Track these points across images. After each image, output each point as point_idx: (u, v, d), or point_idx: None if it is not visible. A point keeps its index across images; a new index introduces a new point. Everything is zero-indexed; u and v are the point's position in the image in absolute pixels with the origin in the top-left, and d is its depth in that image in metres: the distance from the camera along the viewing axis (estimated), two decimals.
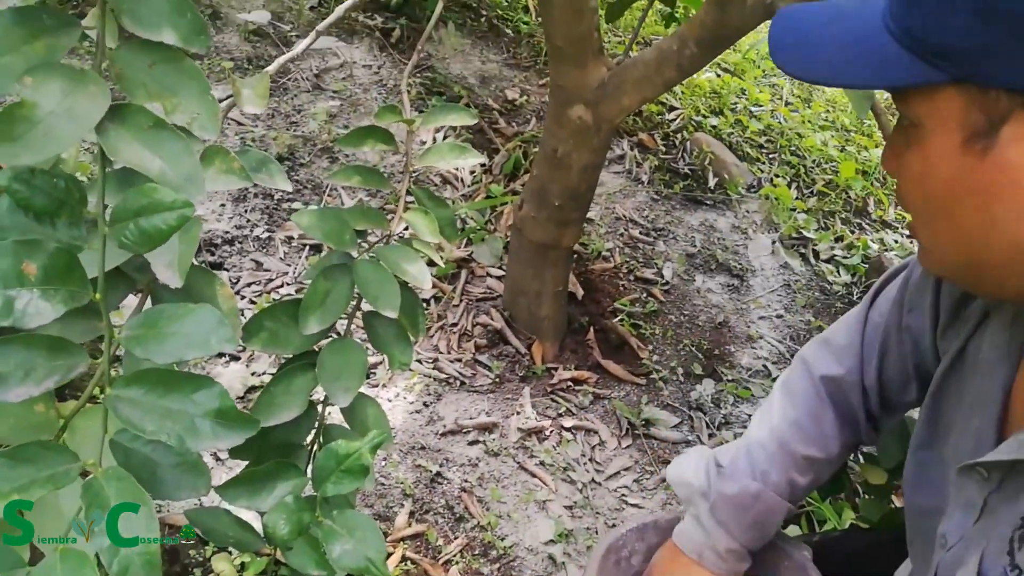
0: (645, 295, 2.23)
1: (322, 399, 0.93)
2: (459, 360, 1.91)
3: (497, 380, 1.88)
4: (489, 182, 2.43)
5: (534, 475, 1.68)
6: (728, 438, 1.87)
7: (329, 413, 0.94)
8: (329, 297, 0.91)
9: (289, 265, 2.02)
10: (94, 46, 0.59)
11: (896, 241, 2.68)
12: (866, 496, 1.78)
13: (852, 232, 2.71)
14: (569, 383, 1.92)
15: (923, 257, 0.60)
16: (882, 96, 1.94)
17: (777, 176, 2.87)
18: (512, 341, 1.98)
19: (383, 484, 1.59)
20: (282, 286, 1.96)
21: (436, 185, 2.43)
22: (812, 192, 2.87)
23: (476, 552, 1.51)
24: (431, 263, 2.02)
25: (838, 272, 2.52)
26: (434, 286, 2.10)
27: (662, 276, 2.32)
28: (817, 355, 0.88)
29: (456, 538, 1.52)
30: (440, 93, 2.70)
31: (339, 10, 1.07)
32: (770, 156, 2.99)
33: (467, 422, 1.75)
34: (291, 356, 0.92)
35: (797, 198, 2.78)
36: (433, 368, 1.88)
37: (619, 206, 2.55)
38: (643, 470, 1.76)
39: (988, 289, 0.58)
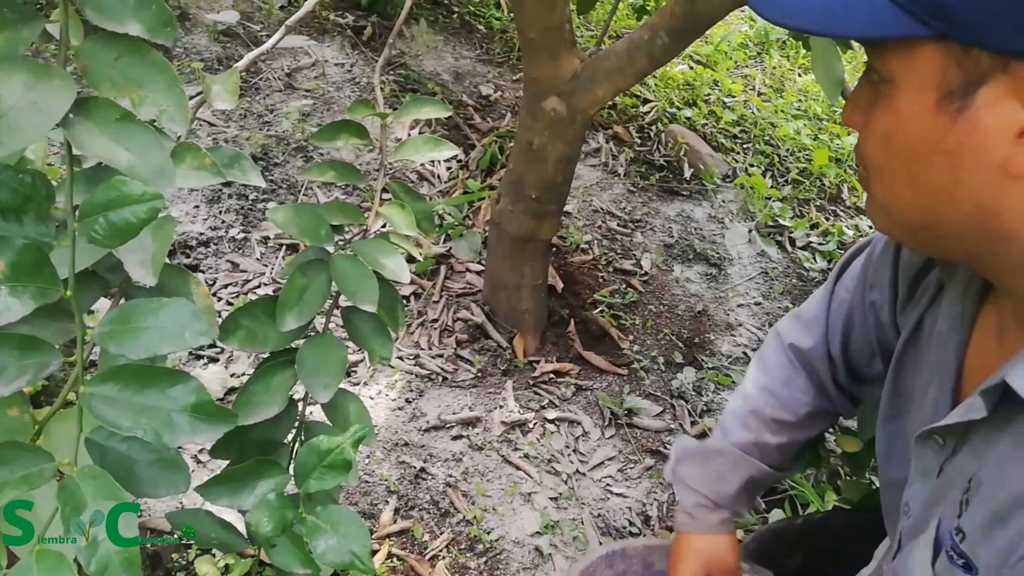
0: (624, 286, 2.24)
1: (302, 396, 0.93)
2: (440, 356, 1.91)
3: (479, 374, 1.88)
4: (466, 178, 2.43)
5: (518, 468, 1.68)
6: (711, 425, 1.88)
7: (311, 412, 0.94)
8: (306, 293, 0.90)
9: (266, 265, 2.01)
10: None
11: (870, 227, 2.71)
12: (847, 476, 1.80)
13: (827, 219, 2.74)
14: (551, 375, 1.92)
15: (877, 215, 0.59)
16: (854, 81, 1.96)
17: (752, 166, 2.89)
18: (493, 335, 1.98)
19: (367, 481, 1.58)
20: (259, 287, 1.94)
21: (413, 182, 2.42)
22: (787, 180, 2.89)
23: (462, 546, 1.51)
24: (410, 259, 2.01)
25: (814, 259, 2.54)
26: (414, 282, 2.09)
27: (641, 267, 2.33)
28: (788, 327, 0.90)
29: (442, 533, 1.52)
30: (414, 90, 2.69)
31: (308, 4, 1.06)
32: (744, 146, 3.01)
33: (450, 417, 1.74)
34: (270, 354, 0.91)
35: (772, 187, 2.80)
36: (415, 364, 1.87)
37: (596, 199, 2.55)
38: (627, 459, 1.77)
39: (938, 251, 0.58)
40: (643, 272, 2.31)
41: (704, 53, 3.48)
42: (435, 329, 1.97)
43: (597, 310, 2.13)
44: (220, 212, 2.09)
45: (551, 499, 1.63)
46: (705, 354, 2.10)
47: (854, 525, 1.04)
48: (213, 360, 1.73)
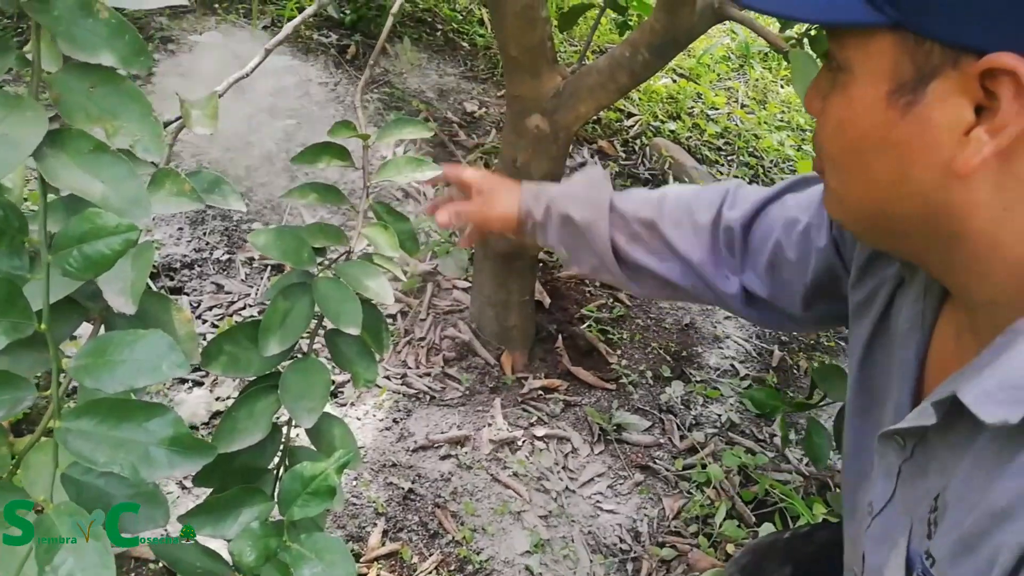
0: (611, 300, 2.24)
1: (287, 421, 0.92)
2: (428, 374, 1.90)
3: (467, 393, 1.87)
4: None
5: (508, 486, 1.67)
6: (699, 439, 1.88)
7: (297, 435, 0.93)
8: (289, 317, 0.90)
9: (251, 286, 1.99)
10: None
11: None
12: (836, 488, 1.80)
13: None
14: (540, 392, 1.92)
15: (829, 203, 0.58)
16: None
17: (736, 177, 2.91)
18: (481, 353, 1.98)
19: (355, 504, 1.56)
20: (244, 308, 1.93)
21: (399, 199, 2.42)
22: None
23: (452, 568, 1.50)
24: (395, 278, 2.01)
25: None
26: (400, 301, 2.08)
27: None
28: (735, 192, 0.91)
29: (431, 555, 1.51)
30: (398, 108, 2.69)
31: (287, 28, 1.06)
32: (728, 158, 3.03)
33: (438, 436, 1.73)
34: (253, 379, 0.90)
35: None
36: (402, 384, 1.86)
37: None
38: (616, 475, 1.76)
39: (890, 247, 0.58)
40: None
41: (687, 66, 3.50)
42: (422, 347, 1.97)
43: (584, 325, 2.13)
44: (204, 234, 2.08)
45: (541, 517, 1.63)
46: (693, 367, 2.10)
47: (841, 537, 1.04)
48: (198, 384, 1.72)
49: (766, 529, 1.67)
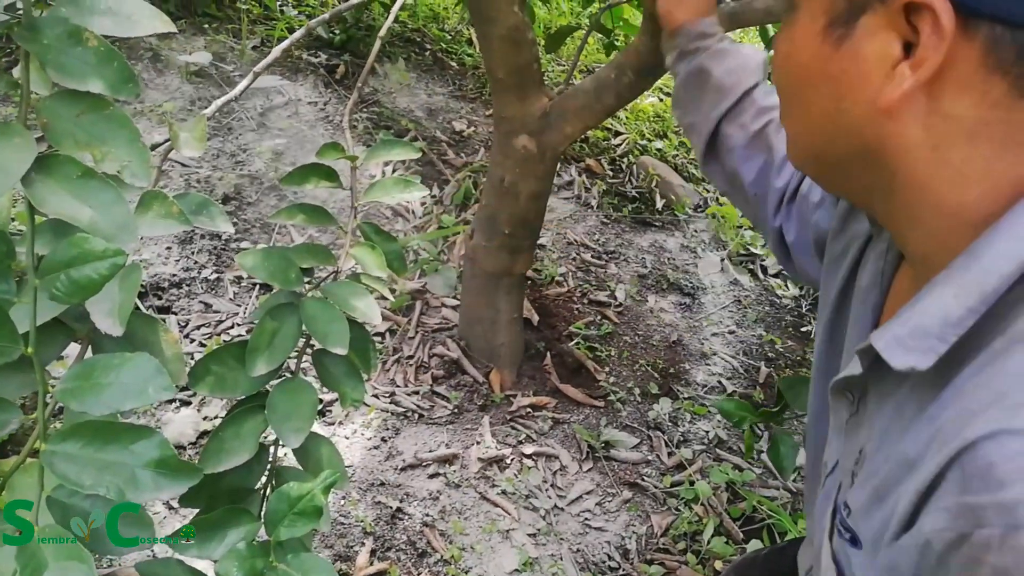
0: (599, 318, 2.25)
1: (273, 441, 0.92)
2: (416, 392, 1.90)
3: (456, 411, 1.87)
4: (440, 213, 2.44)
5: (496, 505, 1.67)
6: (687, 456, 1.88)
7: (284, 455, 0.93)
8: (276, 337, 0.90)
9: (239, 305, 1.99)
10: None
11: None
12: None
13: None
14: (528, 409, 1.92)
15: (788, 149, 0.59)
16: None
17: (723, 195, 2.93)
18: (469, 370, 1.98)
19: (342, 523, 1.56)
20: (232, 327, 1.93)
21: (387, 218, 2.43)
22: None
23: None
24: (383, 296, 2.01)
25: (786, 286, 2.58)
26: (389, 319, 2.09)
27: (615, 298, 2.34)
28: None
29: (420, 574, 1.50)
30: (387, 127, 2.71)
31: (276, 51, 1.07)
32: None
33: (427, 455, 1.73)
34: (241, 399, 0.90)
35: (743, 216, 2.84)
36: (390, 402, 1.86)
37: (570, 231, 2.57)
38: (605, 492, 1.76)
39: (838, 188, 0.58)
40: (618, 303, 2.33)
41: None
42: (411, 365, 1.97)
43: (573, 342, 2.13)
44: (193, 253, 2.08)
45: (529, 536, 1.63)
46: (680, 384, 2.11)
47: None
48: (185, 403, 1.72)
49: (754, 546, 1.68)
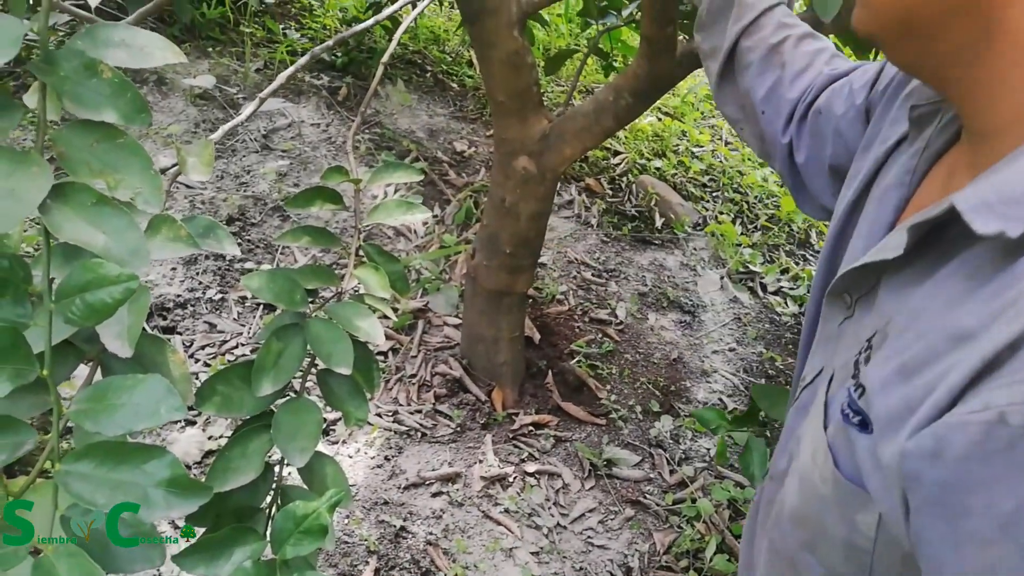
0: (600, 336, 2.27)
1: (279, 460, 0.93)
2: (419, 411, 1.91)
3: (458, 429, 1.88)
4: (442, 232, 2.47)
5: (499, 523, 1.68)
6: (689, 473, 1.89)
7: (289, 474, 0.94)
8: (282, 357, 0.92)
9: (243, 325, 2.01)
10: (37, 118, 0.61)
11: None
12: None
13: (797, 264, 2.80)
14: (530, 428, 1.93)
15: (859, 16, 0.55)
16: None
17: (721, 213, 2.96)
18: (472, 389, 1.99)
19: (347, 542, 1.57)
20: (237, 347, 1.94)
21: (390, 238, 2.45)
22: (756, 227, 2.96)
23: None
24: (386, 316, 2.02)
25: (786, 303, 2.59)
26: (391, 338, 2.10)
27: (616, 316, 2.36)
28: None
29: None
30: (389, 148, 2.74)
31: (281, 76, 1.10)
32: (713, 194, 3.08)
33: (430, 474, 1.74)
34: (246, 419, 0.92)
35: (742, 233, 2.87)
36: (393, 421, 1.87)
37: (570, 250, 2.59)
38: (607, 510, 1.77)
39: (914, 55, 0.54)
40: (618, 321, 2.34)
41: (672, 105, 3.58)
42: (413, 384, 1.98)
43: (574, 360, 2.15)
44: (197, 274, 2.10)
45: (532, 554, 1.63)
46: (681, 401, 2.12)
47: None
48: (191, 423, 1.73)
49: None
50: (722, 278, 2.63)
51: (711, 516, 1.77)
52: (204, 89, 2.64)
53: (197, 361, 1.89)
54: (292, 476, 0.95)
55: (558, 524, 1.71)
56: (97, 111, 0.60)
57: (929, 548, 0.43)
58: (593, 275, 2.52)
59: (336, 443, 1.78)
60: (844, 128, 0.79)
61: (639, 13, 1.40)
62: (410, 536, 1.61)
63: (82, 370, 0.76)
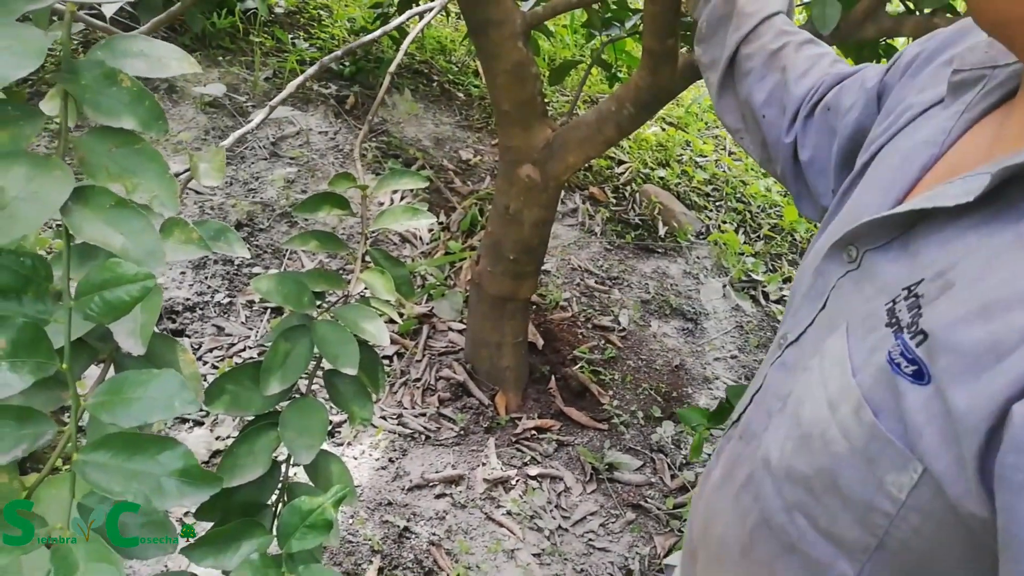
0: (603, 342, 2.29)
1: (285, 458, 0.96)
2: (423, 414, 1.94)
3: (462, 432, 1.91)
4: (447, 239, 2.50)
5: (501, 525, 1.70)
6: (690, 478, 1.91)
7: (295, 474, 0.97)
8: (289, 358, 0.94)
9: (251, 329, 2.04)
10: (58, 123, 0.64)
11: None
12: None
13: None
14: (533, 432, 1.95)
15: (982, 8, 0.52)
16: None
17: (724, 223, 2.98)
18: (475, 393, 2.02)
19: (351, 542, 1.59)
20: (244, 350, 1.97)
21: (395, 244, 2.48)
22: (759, 236, 2.98)
23: None
24: (392, 320, 2.05)
25: None
26: (396, 342, 2.13)
27: (619, 323, 2.38)
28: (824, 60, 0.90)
29: None
30: (396, 156, 2.77)
31: (291, 85, 1.13)
32: (716, 204, 3.11)
33: (433, 476, 1.76)
34: (254, 417, 0.94)
35: (745, 243, 2.89)
36: (398, 424, 1.90)
37: (574, 257, 2.62)
38: (608, 514, 1.79)
39: (1010, 14, 0.51)
40: (621, 328, 2.36)
41: (676, 115, 3.61)
42: (418, 388, 2.01)
43: (577, 366, 2.17)
44: (206, 278, 2.13)
45: (534, 555, 1.65)
46: (683, 407, 2.13)
47: None
48: (198, 424, 1.76)
49: None
50: (724, 286, 2.65)
51: None
52: (214, 97, 2.68)
53: (205, 364, 1.92)
54: (297, 476, 0.97)
55: (560, 527, 1.73)
56: (116, 118, 0.62)
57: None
58: (596, 282, 2.54)
59: (341, 445, 1.81)
60: (858, 117, 0.79)
61: (642, 25, 1.42)
62: (413, 536, 1.63)
63: (92, 372, 0.79)
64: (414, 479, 1.75)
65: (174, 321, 2.00)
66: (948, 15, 1.26)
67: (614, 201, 2.94)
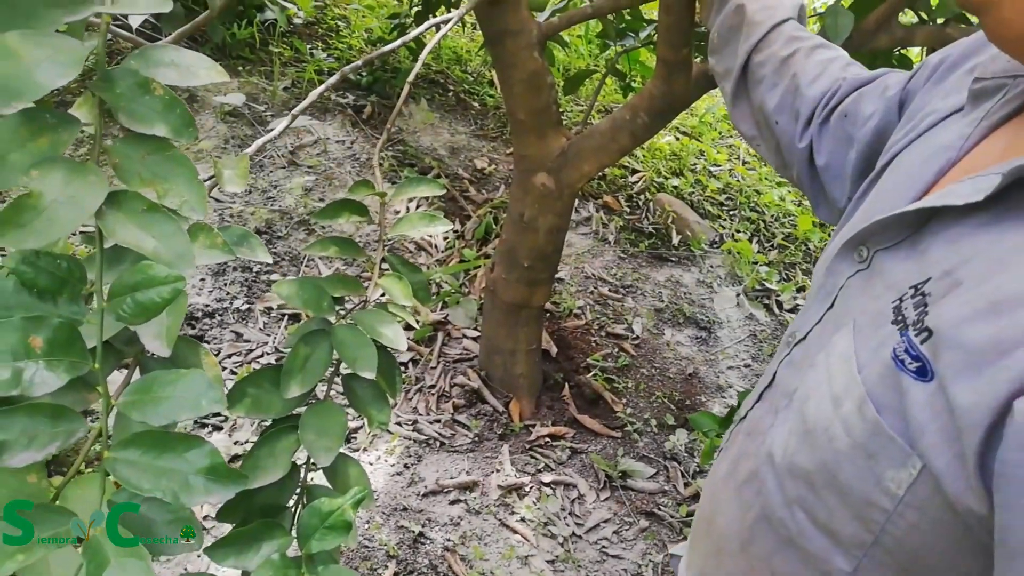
0: (617, 350, 2.30)
1: (304, 461, 0.97)
2: (438, 421, 1.95)
3: (476, 439, 1.92)
4: (462, 247, 2.51)
5: (515, 531, 1.71)
6: (703, 486, 1.91)
7: (312, 478, 0.98)
8: (309, 361, 0.96)
9: (269, 335, 2.06)
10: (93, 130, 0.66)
11: None
12: None
13: None
14: (547, 439, 1.96)
15: (996, 27, 0.52)
16: None
17: (738, 232, 2.98)
18: (489, 400, 2.03)
19: (366, 546, 1.60)
20: (262, 356, 2.00)
21: (411, 252, 2.50)
22: (772, 245, 2.98)
23: None
24: (408, 326, 2.07)
25: None
26: (411, 349, 2.15)
27: (632, 331, 2.39)
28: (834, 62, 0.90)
29: None
30: (412, 165, 2.80)
31: (313, 94, 1.15)
32: (730, 213, 3.11)
33: (448, 482, 1.78)
34: (273, 420, 0.96)
35: (758, 252, 2.89)
36: (413, 430, 1.91)
37: (588, 265, 2.63)
38: (622, 521, 1.79)
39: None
40: (635, 336, 2.37)
41: (690, 124, 3.62)
42: (432, 395, 2.02)
43: (591, 374, 2.18)
44: (225, 284, 2.16)
45: (548, 562, 1.66)
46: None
47: None
48: (217, 428, 1.78)
49: None
50: (738, 295, 2.65)
51: None
52: (234, 107, 2.72)
53: (224, 369, 1.94)
54: (316, 478, 0.99)
55: (573, 533, 1.74)
56: (150, 125, 0.65)
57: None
58: (610, 290, 2.55)
59: (357, 451, 1.83)
60: (877, 125, 0.79)
61: (656, 35, 1.44)
62: (428, 542, 1.64)
63: (115, 376, 0.81)
64: (429, 485, 1.76)
65: (194, 327, 2.02)
66: (961, 25, 1.27)
67: (628, 210, 2.95)
